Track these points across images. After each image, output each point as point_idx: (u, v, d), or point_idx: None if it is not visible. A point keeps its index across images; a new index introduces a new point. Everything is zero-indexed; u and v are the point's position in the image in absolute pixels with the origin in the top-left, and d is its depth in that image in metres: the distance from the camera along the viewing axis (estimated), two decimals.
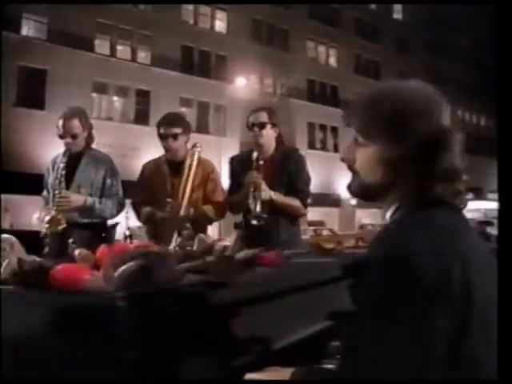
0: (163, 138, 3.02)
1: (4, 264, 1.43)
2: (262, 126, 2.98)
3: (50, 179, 3.10)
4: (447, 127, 1.03)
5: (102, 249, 1.66)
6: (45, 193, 3.22)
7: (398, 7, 33.59)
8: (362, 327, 0.94)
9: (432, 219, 0.99)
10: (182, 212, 2.71)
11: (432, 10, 31.41)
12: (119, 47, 22.77)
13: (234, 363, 1.39)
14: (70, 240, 2.11)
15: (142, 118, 22.14)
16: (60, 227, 2.80)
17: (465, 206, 1.07)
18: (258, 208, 2.72)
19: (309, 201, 3.04)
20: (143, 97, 22.72)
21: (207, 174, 3.06)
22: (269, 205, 2.81)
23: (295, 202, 2.96)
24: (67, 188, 3.01)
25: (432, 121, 1.03)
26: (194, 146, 2.98)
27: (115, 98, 22.62)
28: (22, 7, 19.45)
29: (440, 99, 1.06)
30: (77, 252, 1.67)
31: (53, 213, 2.84)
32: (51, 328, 1.32)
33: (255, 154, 2.92)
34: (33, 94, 19.76)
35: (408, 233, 0.96)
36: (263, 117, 3.01)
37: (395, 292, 0.90)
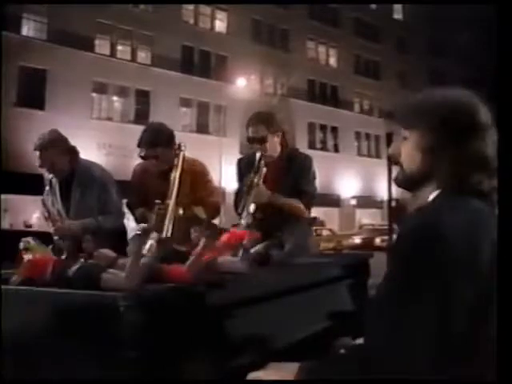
0: (144, 158, 2.92)
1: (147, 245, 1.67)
2: (263, 140, 2.89)
3: (48, 204, 3.04)
4: (482, 120, 1.12)
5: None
6: (45, 213, 3.16)
7: (398, 7, 33.58)
8: (394, 297, 0.98)
9: (466, 203, 1.07)
10: (168, 214, 2.67)
11: (432, 9, 31.41)
12: (119, 47, 22.78)
13: (234, 363, 1.39)
14: (88, 237, 2.12)
15: (141, 118, 22.12)
16: (63, 256, 2.79)
17: (495, 202, 1.13)
18: (251, 209, 2.67)
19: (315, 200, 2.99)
20: (143, 97, 22.72)
21: (195, 174, 3.02)
22: (268, 207, 2.79)
23: (296, 204, 2.92)
24: (67, 214, 2.97)
25: (468, 113, 1.12)
26: (179, 147, 2.91)
27: (115, 98, 22.62)
28: (21, 7, 19.46)
29: (478, 101, 1.16)
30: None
31: (55, 239, 2.81)
32: (52, 326, 1.32)
33: (258, 156, 2.89)
34: (33, 94, 19.76)
35: (442, 209, 1.04)
36: (262, 131, 2.88)
37: (427, 261, 0.95)
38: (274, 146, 2.94)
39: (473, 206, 1.07)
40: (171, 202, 2.73)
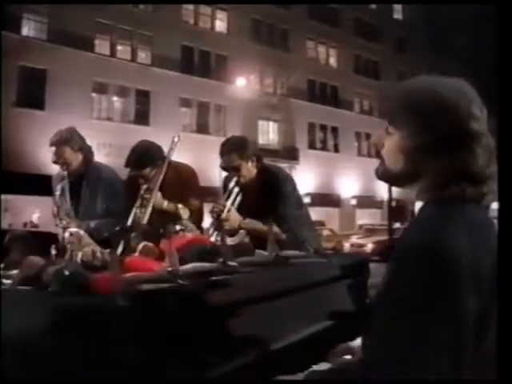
0: (133, 178, 2.89)
1: (79, 255, 1.66)
2: (237, 168, 2.83)
3: (57, 200, 3.05)
4: (472, 130, 1.04)
5: (165, 242, 1.82)
6: (54, 209, 3.16)
7: (398, 7, 33.58)
8: (397, 321, 0.93)
9: (461, 214, 1.01)
10: (151, 200, 2.70)
11: (432, 9, 31.41)
12: (119, 47, 22.77)
13: (234, 363, 1.39)
14: (133, 234, 2.14)
15: (141, 117, 22.15)
16: (67, 257, 2.80)
17: (490, 204, 1.09)
18: (214, 237, 2.60)
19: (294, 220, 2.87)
20: (143, 97, 22.72)
21: (184, 176, 3.00)
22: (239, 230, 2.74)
23: (268, 229, 2.82)
24: (76, 213, 2.97)
25: (457, 120, 1.04)
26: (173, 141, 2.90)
27: (115, 98, 22.62)
28: (21, 7, 19.45)
29: (473, 100, 1.07)
30: (141, 246, 1.81)
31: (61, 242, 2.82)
32: (51, 327, 1.32)
33: (233, 181, 2.85)
34: (33, 94, 19.75)
35: (439, 224, 0.98)
36: (234, 160, 2.81)
37: (430, 281, 0.91)
38: (249, 171, 2.88)
39: (468, 216, 1.02)
40: (156, 188, 2.75)
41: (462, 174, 1.04)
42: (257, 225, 2.71)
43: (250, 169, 2.87)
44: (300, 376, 1.12)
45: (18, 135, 18.27)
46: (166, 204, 2.76)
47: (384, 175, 1.17)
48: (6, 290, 1.50)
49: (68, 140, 2.98)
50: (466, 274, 0.91)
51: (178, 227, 2.14)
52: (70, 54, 20.02)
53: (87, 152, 3.06)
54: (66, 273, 1.45)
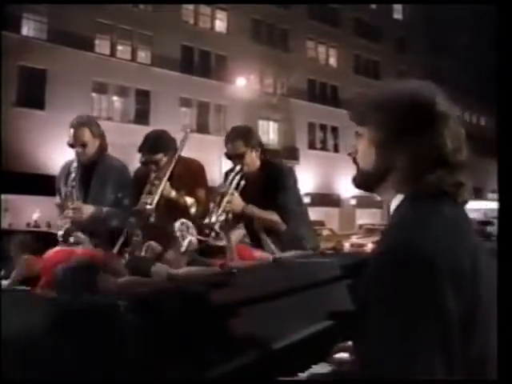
0: (144, 164, 2.93)
1: (186, 241, 1.86)
2: (242, 156, 2.88)
3: (63, 188, 3.06)
4: (438, 111, 1.03)
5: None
6: (58, 200, 3.17)
7: (398, 7, 33.57)
8: (378, 322, 0.92)
9: (437, 211, 1.00)
10: (150, 205, 2.70)
11: (432, 9, 31.42)
12: (119, 47, 22.77)
13: (234, 363, 1.39)
14: (139, 237, 2.16)
15: (142, 117, 22.13)
16: (71, 239, 2.78)
17: (466, 201, 1.07)
18: (213, 219, 2.63)
19: (295, 215, 2.89)
20: (143, 97, 22.71)
21: (193, 171, 3.03)
22: (243, 217, 2.76)
23: (272, 216, 2.87)
24: (84, 201, 2.98)
25: (423, 105, 1.04)
26: (185, 133, 2.94)
27: (115, 98, 22.61)
28: (21, 7, 19.45)
29: (433, 91, 1.07)
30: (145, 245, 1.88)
31: (66, 226, 2.82)
32: (53, 327, 1.32)
33: (237, 168, 2.87)
34: (33, 94, 19.75)
35: (416, 223, 0.97)
36: (239, 147, 2.87)
37: (410, 281, 0.90)
38: (252, 160, 2.92)
39: (444, 213, 1.00)
40: (165, 177, 2.79)
41: (434, 161, 1.02)
42: (260, 212, 2.75)
43: (253, 158, 2.92)
44: (300, 376, 1.12)
45: (17, 135, 18.27)
46: (173, 193, 2.80)
47: (360, 180, 1.15)
48: (7, 290, 1.50)
49: (89, 123, 3.05)
50: (444, 275, 0.90)
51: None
52: (70, 53, 20.01)
53: (103, 140, 3.11)
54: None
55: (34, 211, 17.34)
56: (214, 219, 2.51)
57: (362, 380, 0.91)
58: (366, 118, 1.10)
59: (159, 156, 2.88)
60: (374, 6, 31.74)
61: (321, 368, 1.53)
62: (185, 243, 1.79)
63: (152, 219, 2.57)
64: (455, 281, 0.91)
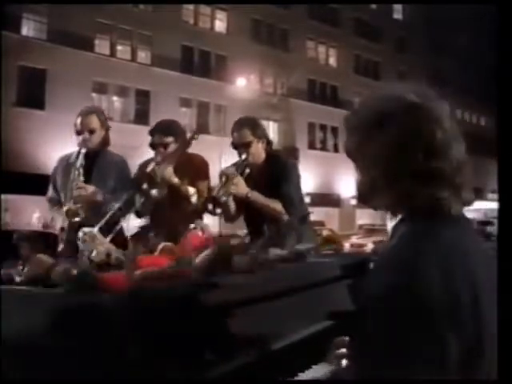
0: (153, 147, 3.00)
1: (94, 253, 1.70)
2: (248, 145, 2.89)
3: (60, 178, 3.07)
4: (426, 129, 0.98)
5: (182, 242, 1.89)
6: (51, 193, 3.18)
7: (398, 7, 33.57)
8: (372, 357, 0.89)
9: (437, 237, 0.95)
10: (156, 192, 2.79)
11: (432, 9, 31.43)
12: (119, 47, 22.77)
13: (234, 363, 1.39)
14: (151, 234, 2.19)
15: (141, 117, 22.12)
16: (77, 218, 2.78)
17: (460, 212, 1.01)
18: (219, 193, 2.70)
19: (296, 211, 2.90)
20: (143, 97, 22.72)
21: (197, 166, 3.08)
22: (244, 203, 2.81)
23: (275, 205, 2.89)
24: None
25: (408, 123, 0.99)
26: (193, 135, 3.02)
27: (115, 98, 22.61)
28: (21, 7, 19.45)
29: (437, 102, 1.02)
30: (160, 246, 1.87)
31: (69, 205, 2.83)
32: (58, 326, 1.32)
33: (243, 157, 2.91)
34: (33, 94, 19.75)
35: (415, 257, 0.91)
36: (247, 135, 2.89)
37: (407, 319, 0.87)
38: (258, 151, 2.95)
39: (445, 241, 0.94)
40: (170, 163, 2.87)
41: (428, 177, 0.96)
42: (265, 200, 2.79)
43: (259, 149, 2.96)
44: (300, 376, 1.12)
45: (17, 135, 18.27)
46: (176, 180, 2.85)
47: (357, 193, 1.10)
48: (13, 289, 1.50)
49: (97, 111, 3.15)
50: (441, 314, 0.87)
51: (191, 225, 2.18)
52: (70, 53, 20.01)
53: (107, 133, 3.17)
54: (75, 272, 1.46)
55: (34, 211, 17.36)
56: (219, 193, 2.62)
57: (361, 380, 0.91)
58: (355, 134, 1.07)
59: (170, 139, 2.95)
60: (374, 6, 31.73)
61: (321, 368, 1.53)
62: (93, 254, 1.70)
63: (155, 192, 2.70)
64: (454, 321, 0.88)
